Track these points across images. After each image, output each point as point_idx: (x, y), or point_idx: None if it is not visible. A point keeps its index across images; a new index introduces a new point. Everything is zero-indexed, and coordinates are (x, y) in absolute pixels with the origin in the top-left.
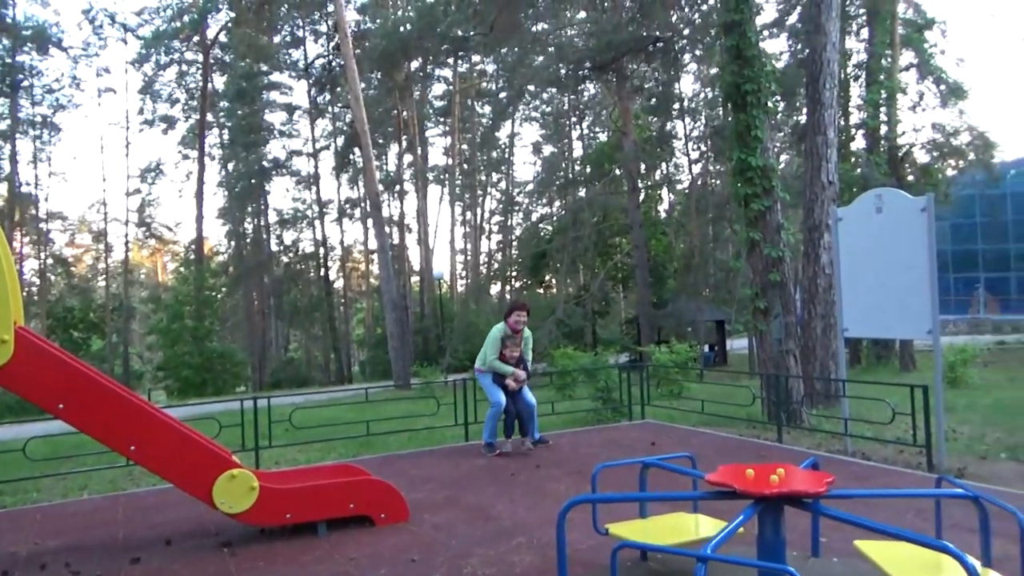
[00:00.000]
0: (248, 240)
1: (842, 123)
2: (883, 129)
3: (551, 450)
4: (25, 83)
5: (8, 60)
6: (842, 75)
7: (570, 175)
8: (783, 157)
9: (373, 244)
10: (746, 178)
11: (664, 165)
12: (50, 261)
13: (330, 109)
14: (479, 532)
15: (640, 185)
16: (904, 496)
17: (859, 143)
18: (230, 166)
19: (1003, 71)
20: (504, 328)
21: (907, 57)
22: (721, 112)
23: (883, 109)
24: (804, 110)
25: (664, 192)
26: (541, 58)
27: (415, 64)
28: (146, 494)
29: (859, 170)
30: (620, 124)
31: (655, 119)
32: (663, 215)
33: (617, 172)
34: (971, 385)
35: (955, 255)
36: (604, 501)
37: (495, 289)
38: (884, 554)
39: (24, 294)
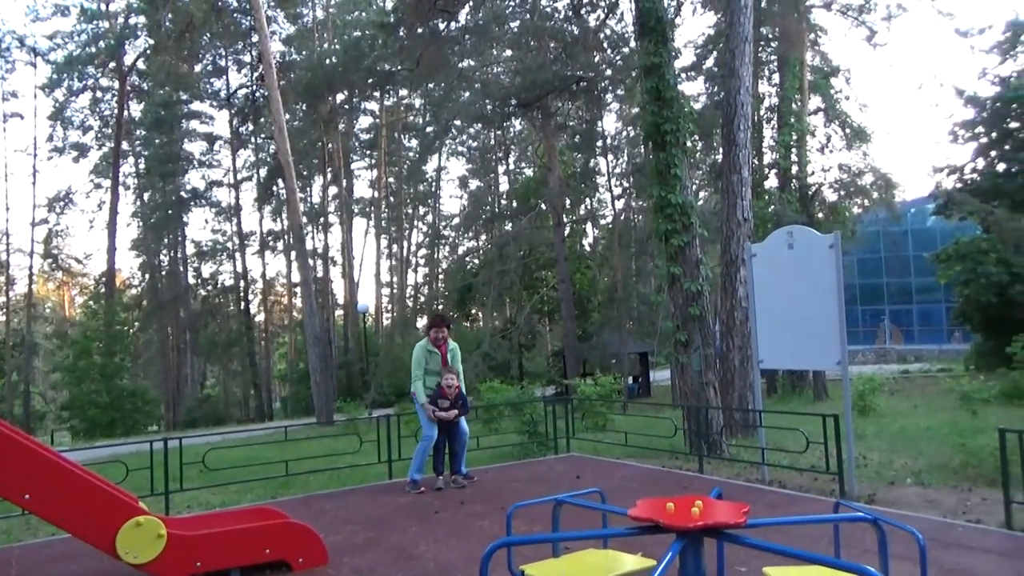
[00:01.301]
0: (164, 273)
1: (756, 163)
2: (794, 169)
3: (476, 486)
4: None
5: None
6: (755, 117)
7: (496, 209)
8: (701, 194)
9: (296, 277)
10: (666, 215)
11: (588, 201)
12: None
13: (253, 140)
14: (401, 574)
15: (565, 220)
16: (814, 522)
17: (772, 182)
18: (146, 196)
19: (902, 116)
20: (426, 343)
21: (815, 102)
22: (642, 150)
23: (794, 150)
24: (720, 150)
25: (588, 227)
26: (467, 94)
27: (340, 97)
28: (43, 545)
29: (772, 208)
30: (545, 160)
31: (579, 156)
32: (587, 249)
33: (543, 207)
34: (879, 413)
35: (862, 288)
36: (529, 543)
37: (421, 322)
38: None
39: None
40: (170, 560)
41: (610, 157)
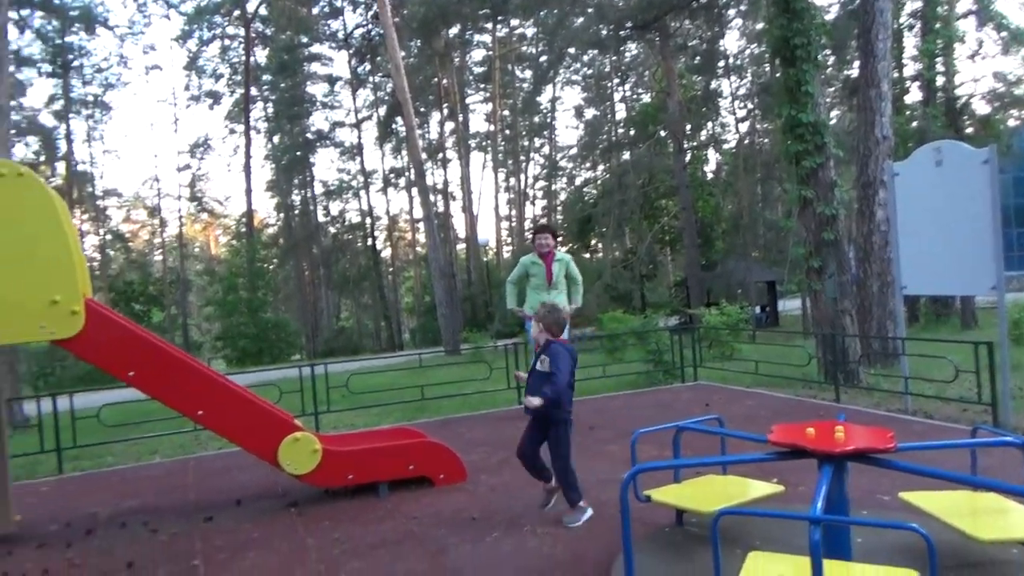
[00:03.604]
0: (296, 212)
1: (896, 75)
2: (940, 80)
3: (603, 413)
4: (76, 63)
5: (58, 41)
6: (895, 25)
7: (614, 138)
8: (834, 112)
9: (418, 213)
10: (796, 135)
11: (710, 125)
12: (109, 237)
13: (371, 79)
14: (535, 493)
15: (686, 146)
16: (960, 447)
17: (915, 95)
18: (276, 139)
19: None
20: (532, 255)
21: (965, 3)
22: (768, 68)
23: (940, 59)
24: (856, 63)
25: (710, 152)
26: (581, 19)
27: (454, 30)
28: (213, 457)
29: (915, 123)
30: (664, 84)
31: (700, 78)
32: (710, 176)
33: (662, 133)
34: None
35: (1017, 209)
36: (662, 468)
37: None
38: (938, 504)
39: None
40: (325, 472)
41: (733, 78)
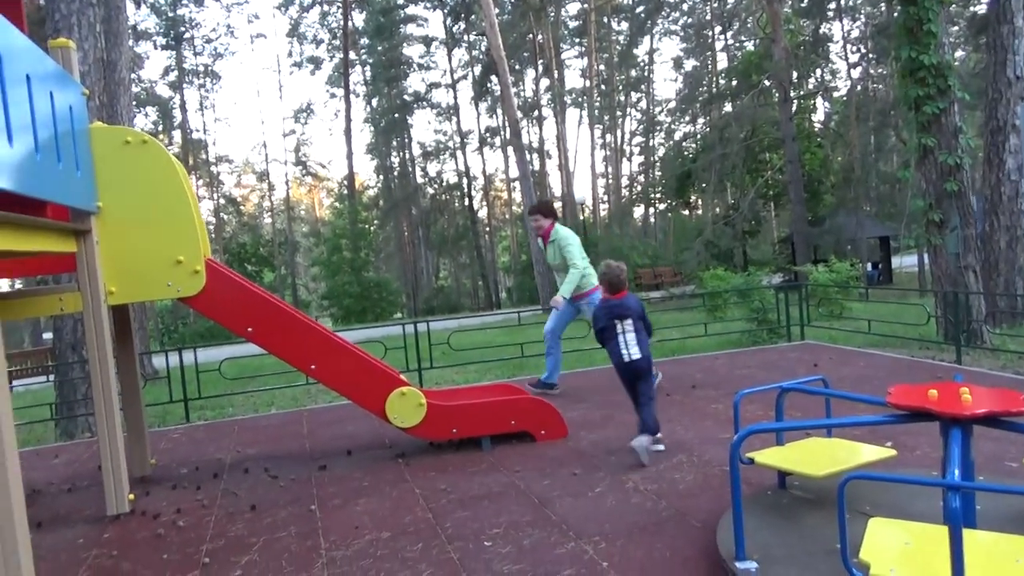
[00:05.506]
0: (395, 173)
1: None
2: None
3: (707, 371)
4: (187, 35)
5: (171, 14)
6: None
7: (715, 89)
8: (958, 53)
9: (514, 172)
10: (917, 78)
11: (819, 72)
12: (222, 201)
13: (466, 38)
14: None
15: (792, 95)
16: None
17: None
18: (374, 102)
19: None
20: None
21: None
22: (885, 8)
23: None
24: None
25: (819, 101)
26: None
27: None
28: (325, 410)
29: None
30: (769, 30)
31: (808, 21)
32: (818, 126)
33: (766, 83)
34: None
35: None
36: (779, 430)
37: (638, 212)
38: None
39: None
40: (430, 426)
41: (845, 20)
